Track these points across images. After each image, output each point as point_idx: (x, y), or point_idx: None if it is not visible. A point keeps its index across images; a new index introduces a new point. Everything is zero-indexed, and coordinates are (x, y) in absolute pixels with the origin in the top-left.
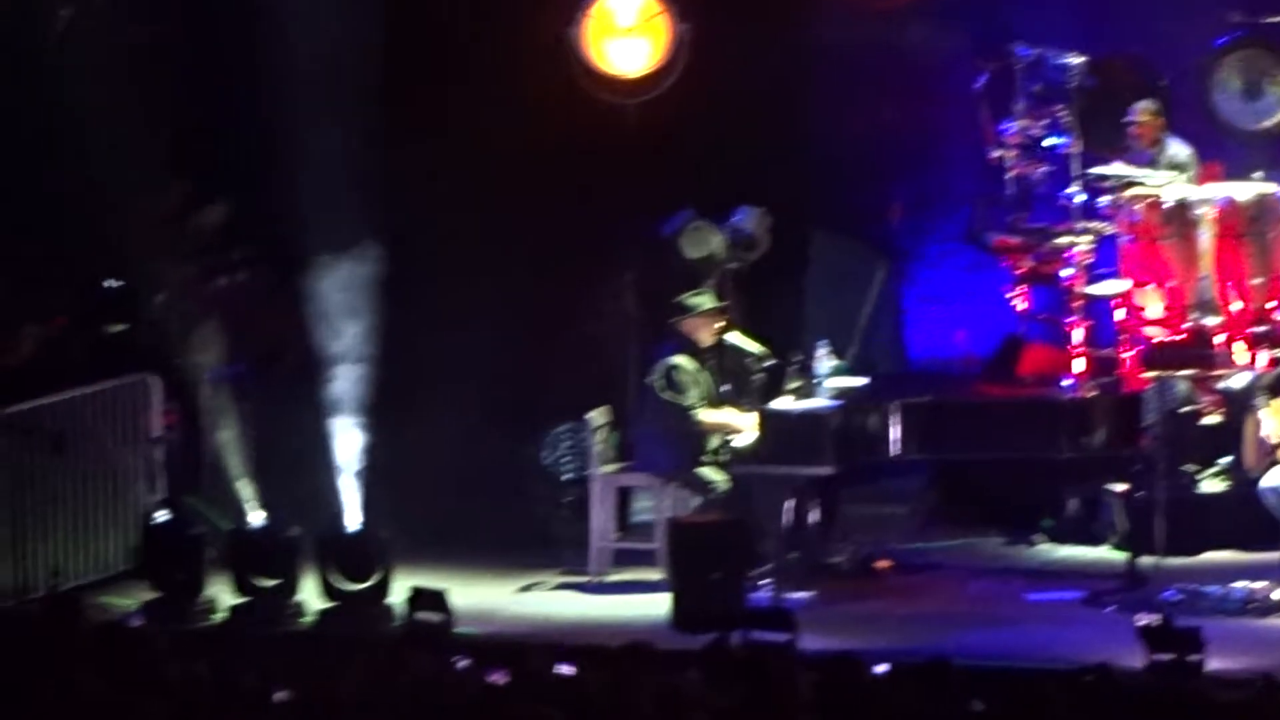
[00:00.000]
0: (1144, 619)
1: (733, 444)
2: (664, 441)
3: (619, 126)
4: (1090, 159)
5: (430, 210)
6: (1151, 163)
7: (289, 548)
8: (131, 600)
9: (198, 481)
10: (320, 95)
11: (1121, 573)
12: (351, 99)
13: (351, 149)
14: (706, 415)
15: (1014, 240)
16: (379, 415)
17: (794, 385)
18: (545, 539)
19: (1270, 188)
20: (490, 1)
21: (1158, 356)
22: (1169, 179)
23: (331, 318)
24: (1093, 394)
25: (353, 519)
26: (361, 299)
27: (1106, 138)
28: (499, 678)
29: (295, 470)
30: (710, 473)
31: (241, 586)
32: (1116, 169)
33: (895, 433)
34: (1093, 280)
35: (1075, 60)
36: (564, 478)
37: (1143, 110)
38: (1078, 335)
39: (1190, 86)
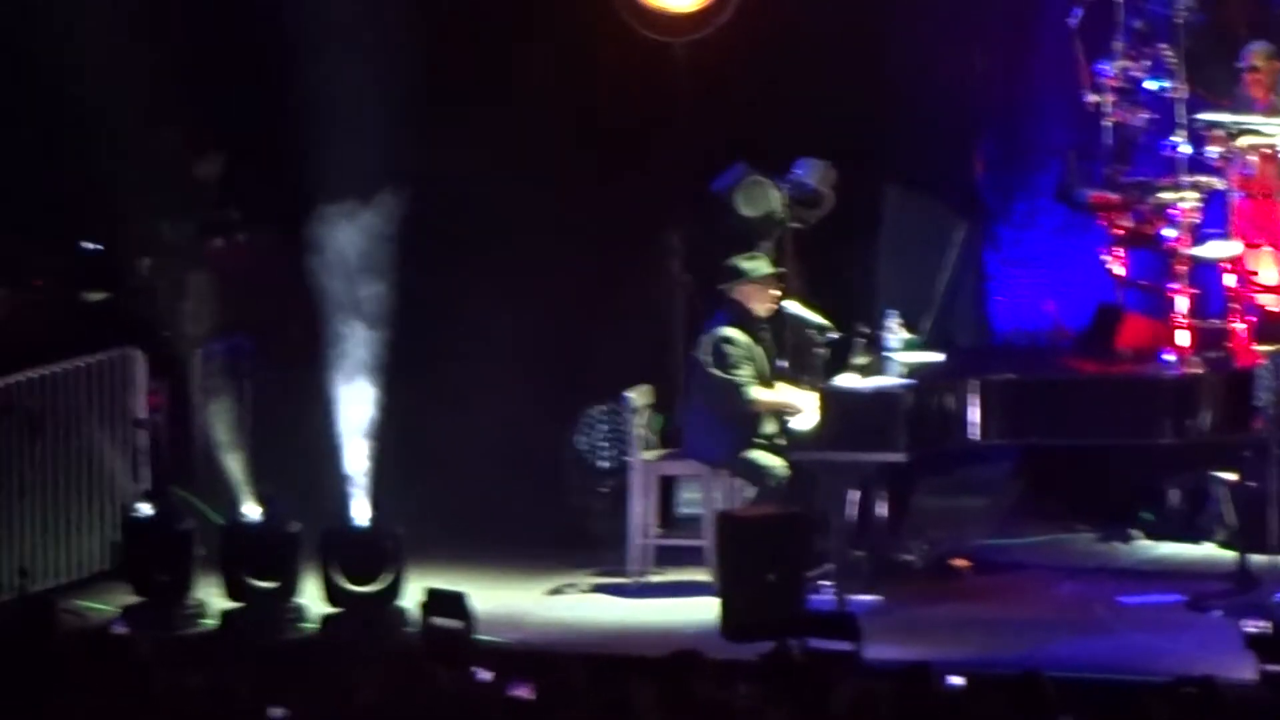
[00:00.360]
0: (1254, 626)
1: (791, 427)
2: (713, 424)
3: (667, 69)
4: (1198, 104)
5: (458, 162)
6: (1268, 114)
7: (289, 545)
8: (111, 605)
9: (187, 470)
10: (341, 28)
11: (1229, 573)
12: (376, 33)
13: (373, 92)
14: (761, 394)
15: (1111, 197)
16: (393, 396)
17: (861, 361)
18: (579, 534)
19: None
20: None
21: (1273, 328)
22: None
23: (343, 285)
24: (1199, 371)
25: (361, 513)
26: (377, 263)
27: (1216, 81)
28: (525, 692)
29: (297, 458)
30: (765, 460)
31: (235, 589)
32: (1227, 116)
33: (974, 415)
34: (1199, 242)
35: None
36: (601, 465)
37: (1258, 53)
38: (1182, 304)
39: None
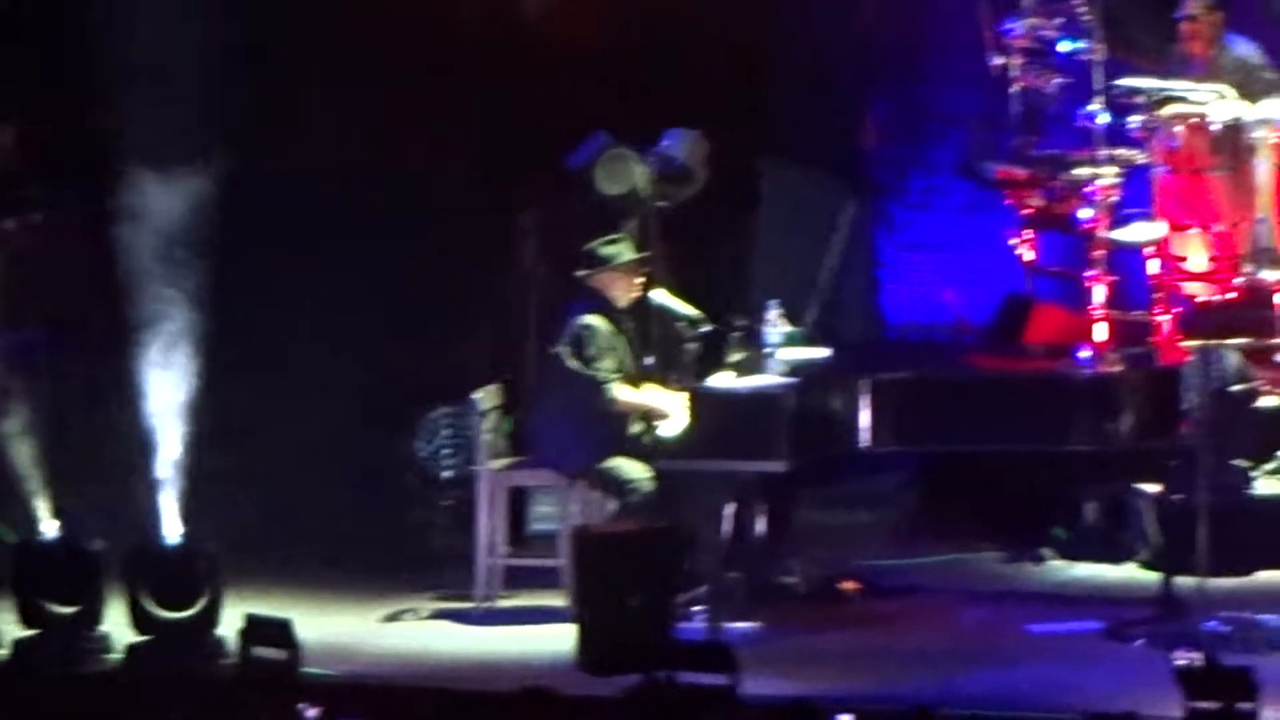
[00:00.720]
0: (1184, 657)
1: (658, 432)
2: (570, 428)
3: (515, 28)
4: (1117, 68)
5: (286, 134)
6: (1208, 72)
7: (90, 565)
8: None
9: None
10: None
11: (1153, 597)
12: None
13: (191, 55)
14: (625, 393)
15: (1019, 173)
16: (211, 396)
17: (736, 357)
18: (419, 553)
19: None
20: None
21: (1202, 321)
22: (1223, 93)
23: (153, 273)
24: (1118, 369)
25: (172, 529)
26: (194, 247)
27: (1139, 40)
28: None
29: (100, 468)
30: (629, 469)
31: (30, 615)
32: (1151, 81)
33: (864, 419)
34: (1119, 224)
35: None
36: (443, 475)
37: (1197, 3)
38: (1099, 294)
39: None
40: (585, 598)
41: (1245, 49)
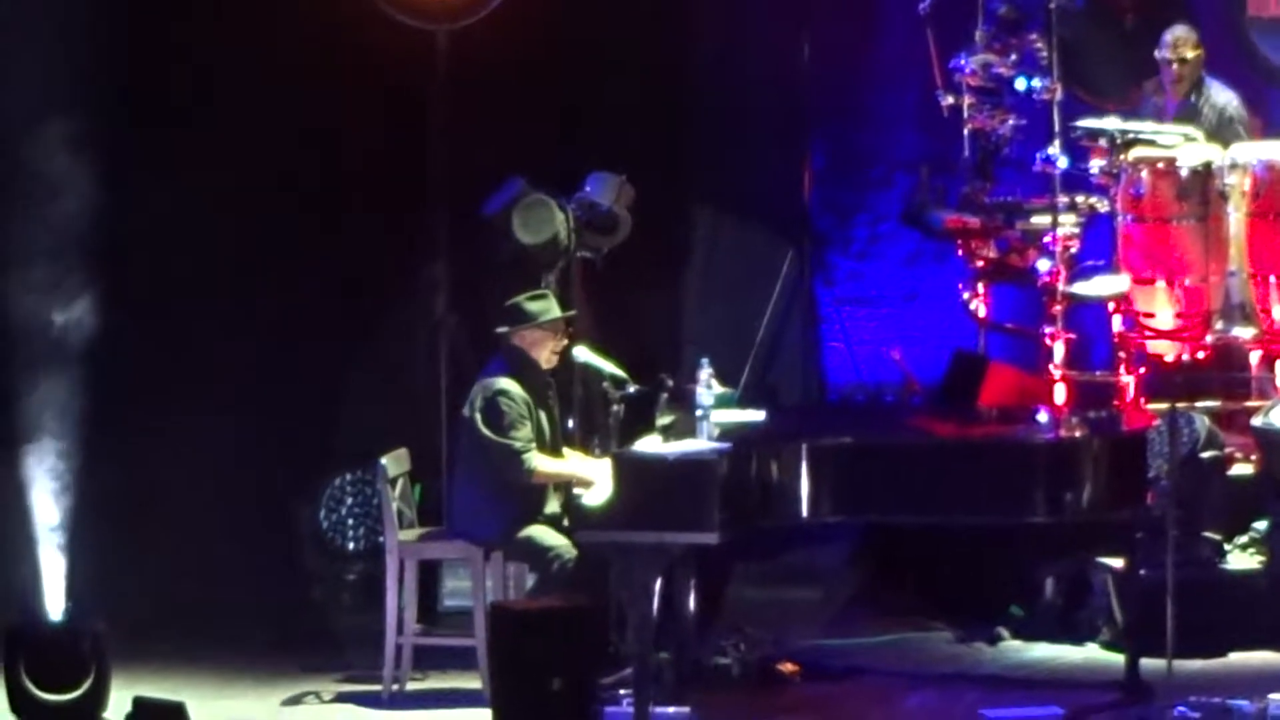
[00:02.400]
0: None
1: (581, 501)
2: (485, 497)
3: (427, 63)
4: (1077, 107)
5: (169, 173)
6: (1187, 114)
7: None
8: None
9: None
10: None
11: (1117, 681)
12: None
13: (63, 92)
14: (542, 463)
15: (971, 221)
16: (93, 459)
17: (665, 420)
18: (322, 631)
19: None
20: None
21: (1169, 382)
22: (1192, 135)
23: (27, 314)
24: (1078, 434)
25: (54, 604)
26: (70, 289)
27: (1100, 79)
28: None
29: None
30: (549, 539)
31: None
32: (1114, 122)
33: (804, 487)
34: (1079, 276)
35: None
36: (348, 547)
37: (1187, 42)
38: (1058, 352)
39: (1214, 10)
40: (502, 679)
41: (1224, 96)
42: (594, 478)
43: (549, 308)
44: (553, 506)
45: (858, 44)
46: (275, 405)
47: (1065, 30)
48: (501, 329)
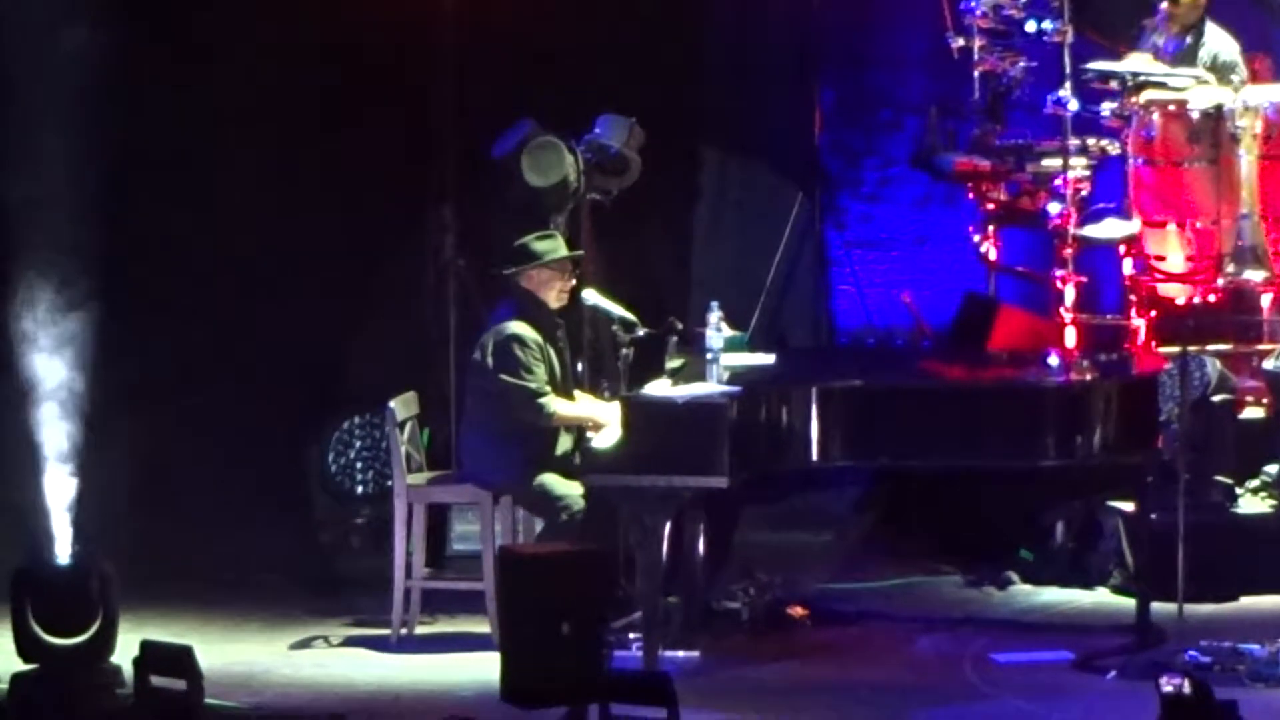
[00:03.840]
0: (1170, 683)
1: (590, 445)
2: (496, 441)
3: (436, 4)
4: (1088, 49)
5: (173, 130)
6: (1184, 56)
7: None
8: None
9: None
10: None
11: (1127, 625)
12: None
13: (65, 46)
14: (559, 406)
15: (982, 164)
16: (102, 403)
17: (674, 364)
18: (330, 575)
19: None
20: None
21: (1180, 325)
22: (1203, 78)
23: (37, 267)
24: (1089, 378)
25: (62, 547)
26: (82, 245)
27: (1110, 21)
28: None
29: None
30: (558, 486)
31: None
32: (1126, 64)
33: (814, 430)
34: (1090, 220)
35: None
36: (356, 491)
37: None
38: (1069, 295)
39: None
40: (511, 624)
41: (1222, 42)
42: (609, 420)
43: (556, 247)
44: (564, 446)
45: None
46: (284, 349)
47: None
48: (509, 270)
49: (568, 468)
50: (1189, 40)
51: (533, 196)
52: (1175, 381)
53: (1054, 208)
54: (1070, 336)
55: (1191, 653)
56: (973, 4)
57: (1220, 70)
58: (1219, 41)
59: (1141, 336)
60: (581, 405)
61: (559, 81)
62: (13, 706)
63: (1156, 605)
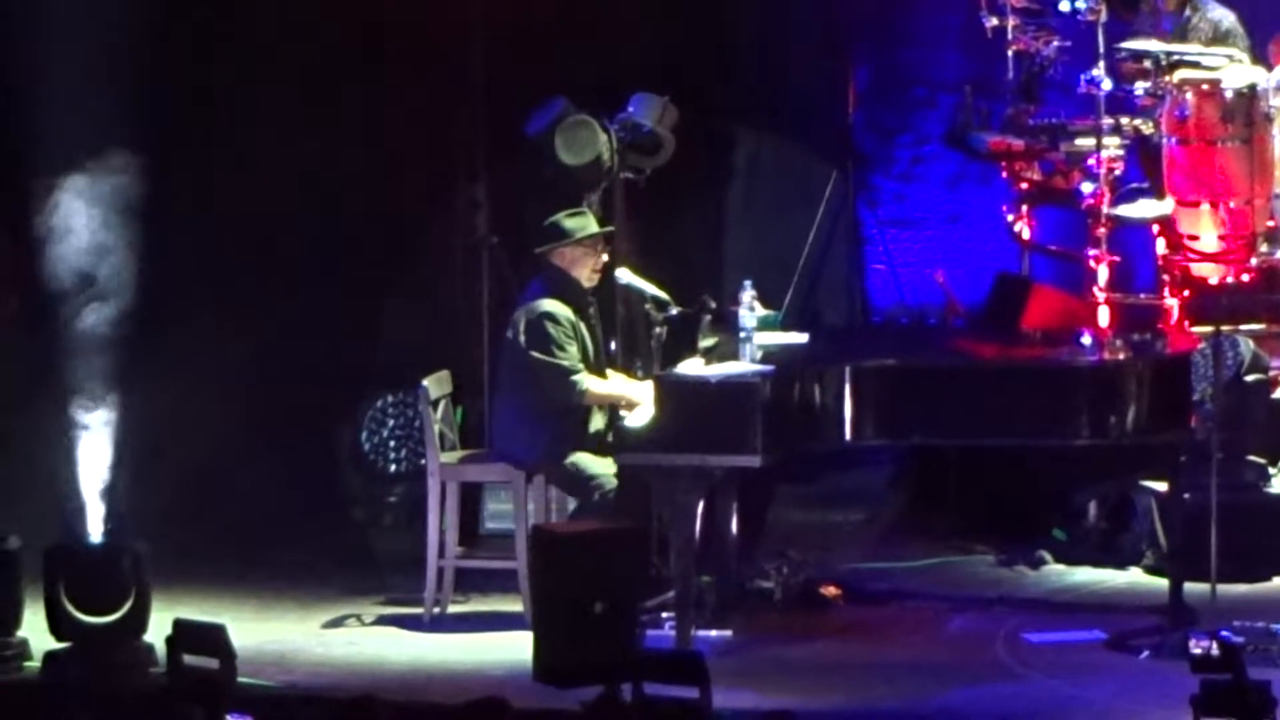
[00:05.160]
0: (1199, 646)
1: (623, 423)
2: (530, 419)
3: None
4: (1121, 29)
5: (206, 106)
6: (1182, 30)
7: (6, 566)
8: None
9: None
10: None
11: (1160, 605)
12: None
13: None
14: (594, 384)
15: (1015, 143)
16: (134, 385)
17: (707, 342)
18: (363, 554)
19: None
20: None
21: (1213, 305)
22: (1236, 57)
23: (71, 254)
24: (1122, 357)
25: (95, 526)
26: (113, 229)
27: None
28: None
29: (15, 459)
30: (592, 464)
31: None
32: (1158, 44)
33: (847, 409)
34: (1123, 199)
35: None
36: (389, 470)
37: None
38: (1102, 275)
39: None
40: (543, 603)
41: (1219, 12)
42: (642, 399)
43: (587, 224)
44: (597, 425)
45: None
46: (317, 327)
47: None
48: (540, 248)
49: (601, 446)
50: (1186, 13)
51: (565, 175)
52: (1208, 361)
53: (1087, 187)
54: (1103, 316)
55: (1224, 633)
56: None
57: (1222, 38)
58: (1216, 10)
59: (1175, 316)
60: (614, 383)
61: (593, 60)
62: (46, 684)
63: (1189, 585)
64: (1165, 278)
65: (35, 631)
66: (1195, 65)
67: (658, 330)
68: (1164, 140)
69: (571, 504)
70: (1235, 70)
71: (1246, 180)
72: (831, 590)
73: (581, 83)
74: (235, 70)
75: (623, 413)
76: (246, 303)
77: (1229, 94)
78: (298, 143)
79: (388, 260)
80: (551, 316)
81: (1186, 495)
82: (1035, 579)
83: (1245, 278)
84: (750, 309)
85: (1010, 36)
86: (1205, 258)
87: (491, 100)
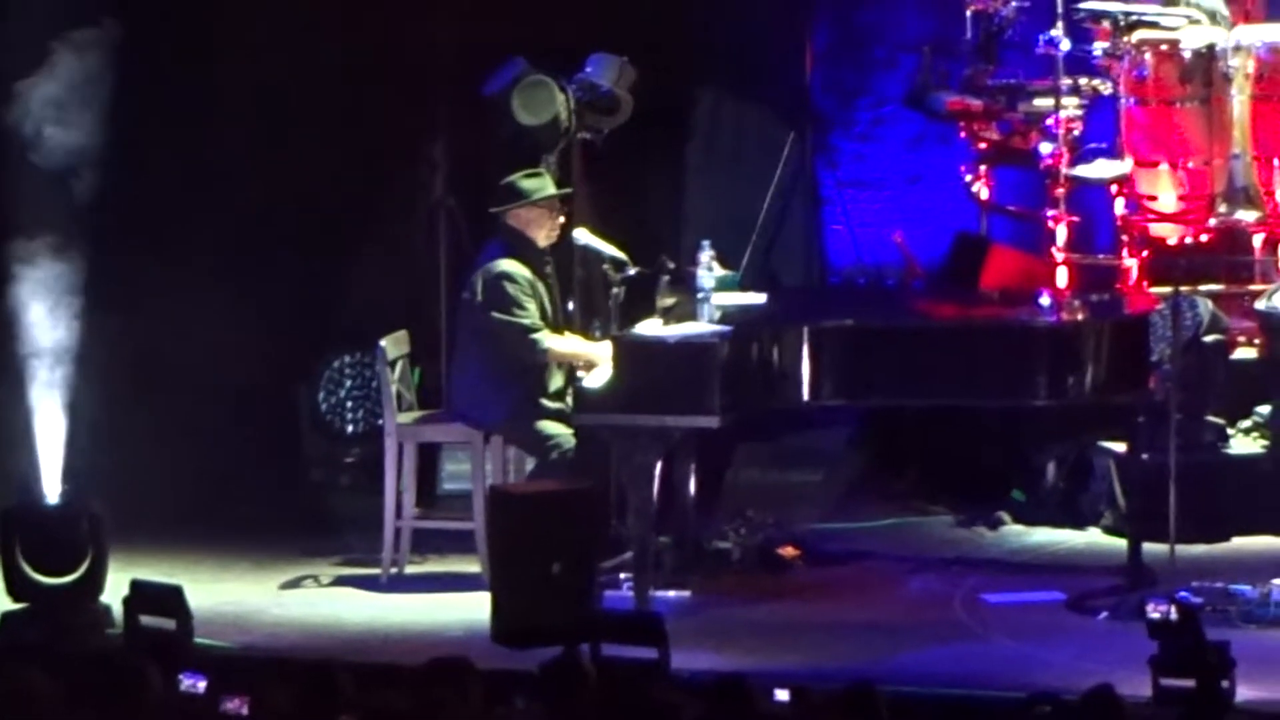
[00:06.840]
0: (1156, 610)
1: (581, 384)
2: (489, 379)
3: None
4: None
5: (166, 61)
6: None
7: None
8: None
9: None
10: None
11: (1119, 566)
12: None
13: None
14: (554, 342)
15: (974, 103)
16: (91, 341)
17: (665, 303)
18: (320, 515)
19: None
20: None
21: (1172, 265)
22: (1195, 17)
23: (22, 204)
24: (1080, 317)
25: (51, 486)
26: (71, 189)
27: None
28: (237, 705)
29: None
30: (549, 425)
31: None
32: (1117, 4)
33: (805, 370)
34: (1082, 159)
35: None
36: (346, 430)
37: None
38: (1060, 235)
39: None
40: (501, 564)
41: None
42: (602, 358)
43: (543, 185)
44: (555, 384)
45: None
46: (274, 287)
47: None
48: (497, 208)
49: (559, 406)
50: None
51: (524, 135)
52: (1167, 322)
53: (1046, 147)
54: (1062, 276)
55: (1183, 593)
56: None
57: (1205, 12)
58: None
59: (1133, 276)
60: (577, 341)
61: (550, 20)
62: (2, 645)
63: (1148, 546)
64: (1124, 238)
65: None
66: (1154, 25)
67: (615, 291)
68: (1123, 100)
69: (530, 465)
70: (1194, 31)
71: (1205, 141)
72: (790, 551)
73: (540, 43)
74: (194, 32)
75: (581, 373)
76: (203, 263)
77: (1187, 54)
78: (255, 102)
79: (346, 221)
80: (509, 276)
81: (1145, 456)
82: (994, 539)
83: (1204, 238)
84: (708, 269)
85: None
86: (1164, 218)
87: (450, 60)
